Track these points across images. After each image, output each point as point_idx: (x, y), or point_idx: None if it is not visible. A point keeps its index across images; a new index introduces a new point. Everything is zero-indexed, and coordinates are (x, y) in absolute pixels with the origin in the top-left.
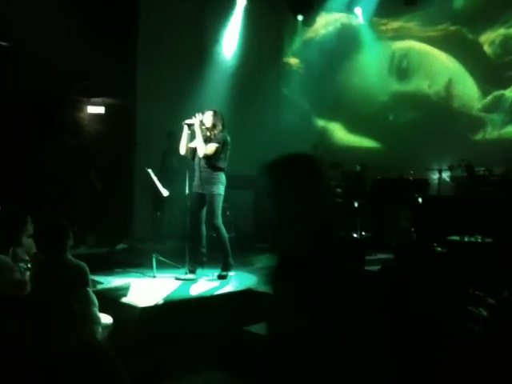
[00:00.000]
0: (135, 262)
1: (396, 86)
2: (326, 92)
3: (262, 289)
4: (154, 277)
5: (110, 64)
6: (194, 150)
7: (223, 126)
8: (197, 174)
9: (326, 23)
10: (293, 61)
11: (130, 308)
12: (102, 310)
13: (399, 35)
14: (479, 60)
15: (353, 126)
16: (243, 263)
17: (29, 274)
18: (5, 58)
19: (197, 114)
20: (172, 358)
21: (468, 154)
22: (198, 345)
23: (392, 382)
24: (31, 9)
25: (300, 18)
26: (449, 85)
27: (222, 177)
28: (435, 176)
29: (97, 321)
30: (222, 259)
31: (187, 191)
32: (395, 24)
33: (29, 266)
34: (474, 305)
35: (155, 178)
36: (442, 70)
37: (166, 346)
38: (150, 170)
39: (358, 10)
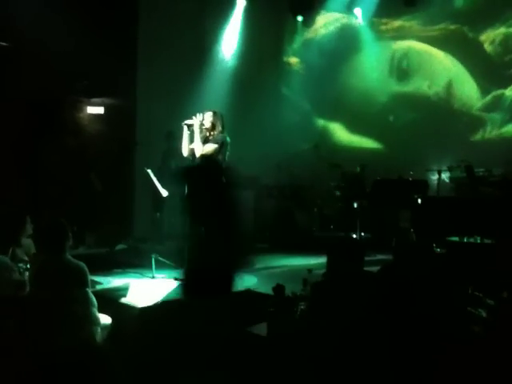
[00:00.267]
0: (134, 262)
1: (396, 87)
2: (326, 92)
3: (261, 289)
4: (153, 277)
5: (110, 64)
6: (194, 151)
7: (223, 126)
8: None
9: (325, 23)
10: (293, 61)
11: (129, 308)
12: (101, 311)
13: (399, 35)
14: (479, 59)
15: (353, 127)
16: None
17: (28, 274)
18: (5, 58)
19: (197, 115)
20: (171, 358)
21: (467, 155)
22: (197, 345)
23: (393, 382)
24: (32, 9)
25: (300, 18)
26: (449, 85)
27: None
28: (435, 177)
29: (96, 321)
30: None
31: (186, 191)
32: (395, 24)
33: (28, 266)
34: (473, 305)
35: (155, 179)
36: (442, 70)
37: (164, 347)
38: (149, 171)
39: (357, 11)
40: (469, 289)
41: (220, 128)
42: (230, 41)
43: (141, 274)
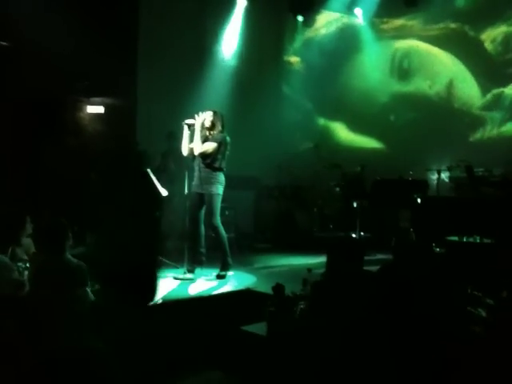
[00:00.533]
0: None
1: (397, 86)
2: (326, 92)
3: (261, 289)
4: None
5: (110, 64)
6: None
7: (223, 126)
8: (196, 173)
9: (326, 23)
10: (293, 60)
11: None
12: None
13: (400, 35)
14: (480, 58)
15: (353, 126)
16: (242, 263)
17: (27, 273)
18: (5, 57)
19: (200, 113)
20: (170, 357)
21: (467, 155)
22: (197, 344)
23: (393, 382)
24: (32, 9)
25: (300, 18)
26: (450, 84)
27: (221, 177)
28: (434, 177)
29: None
30: (220, 259)
31: (186, 191)
32: (396, 23)
33: (27, 265)
34: (472, 305)
35: (154, 178)
36: (443, 70)
37: (164, 346)
38: (148, 170)
39: (358, 11)
40: (468, 288)
41: (220, 128)
42: (230, 41)
43: None
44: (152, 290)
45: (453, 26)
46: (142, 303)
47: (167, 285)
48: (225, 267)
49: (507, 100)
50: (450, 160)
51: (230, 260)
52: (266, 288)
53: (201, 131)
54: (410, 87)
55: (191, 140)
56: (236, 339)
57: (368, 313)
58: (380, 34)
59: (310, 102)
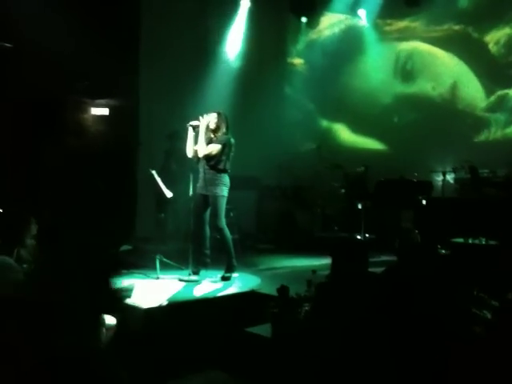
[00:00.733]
0: (139, 263)
1: (400, 88)
2: (329, 93)
3: (265, 290)
4: (158, 278)
5: (112, 65)
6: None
7: (227, 127)
8: (201, 175)
9: (329, 24)
10: (296, 62)
11: (133, 309)
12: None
13: (403, 36)
14: (484, 59)
15: (356, 127)
16: (246, 264)
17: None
18: (7, 58)
19: (204, 115)
20: (175, 358)
21: (472, 156)
22: (201, 346)
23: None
24: (33, 9)
25: (303, 19)
26: (453, 86)
27: (226, 178)
28: (439, 178)
29: (101, 322)
30: (225, 261)
31: (191, 193)
32: (399, 24)
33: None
34: (477, 307)
35: (159, 180)
36: (447, 71)
37: (168, 347)
38: (153, 172)
39: (361, 12)
40: (473, 290)
41: (224, 129)
42: (233, 41)
43: (145, 274)
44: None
45: (456, 27)
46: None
47: (172, 286)
48: (230, 269)
49: (511, 102)
50: (454, 161)
51: (234, 262)
52: (270, 289)
53: (205, 133)
54: (413, 88)
55: (196, 142)
56: (241, 341)
57: (373, 314)
58: (383, 36)
59: (313, 103)
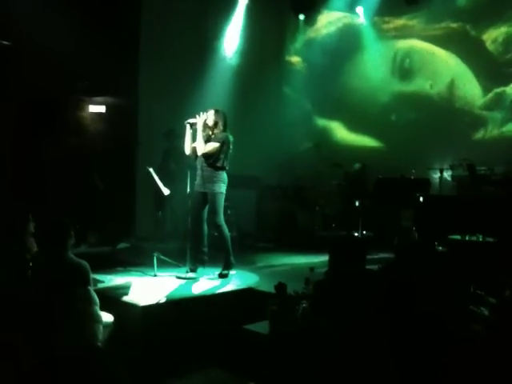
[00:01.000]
0: (136, 260)
1: (398, 86)
2: (327, 91)
3: (263, 288)
4: (155, 276)
5: (112, 63)
6: (196, 150)
7: (225, 125)
8: (199, 172)
9: (328, 22)
10: (295, 60)
11: (131, 307)
12: (103, 309)
13: (401, 34)
14: (482, 58)
15: (355, 126)
16: (244, 262)
17: (30, 272)
18: (7, 57)
19: (200, 114)
20: (173, 356)
21: (469, 153)
22: (199, 343)
23: (394, 381)
24: (33, 8)
25: (302, 17)
26: (451, 84)
27: (224, 176)
28: (437, 175)
29: (98, 319)
30: (223, 258)
31: (189, 190)
32: (397, 22)
33: (30, 264)
34: (475, 304)
35: (156, 177)
36: (445, 69)
37: (166, 345)
38: (151, 169)
39: (359, 10)
40: (471, 287)
41: (222, 127)
42: (231, 40)
43: (143, 272)
44: None
45: (454, 25)
46: None
47: (170, 284)
48: (227, 266)
49: (508, 100)
50: (452, 159)
51: (232, 259)
52: (268, 287)
53: (203, 130)
54: (411, 87)
55: (193, 139)
56: (238, 338)
57: (370, 312)
58: (381, 34)
59: (312, 102)
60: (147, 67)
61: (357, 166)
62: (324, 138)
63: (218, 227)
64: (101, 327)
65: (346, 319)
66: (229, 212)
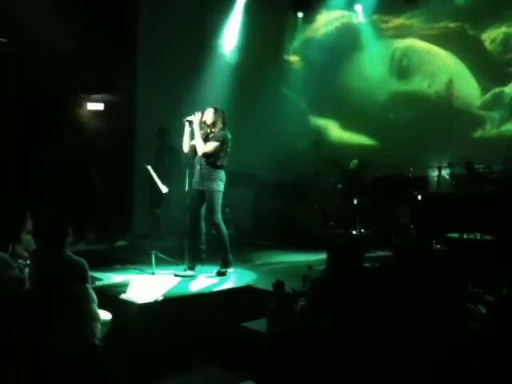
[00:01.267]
0: (134, 258)
1: (396, 85)
2: (326, 90)
3: (261, 285)
4: (153, 273)
5: (111, 62)
6: (195, 148)
7: (224, 123)
8: (197, 170)
9: (326, 21)
10: (293, 58)
11: (129, 304)
12: (101, 307)
13: (400, 33)
14: (480, 57)
15: (353, 124)
16: (242, 260)
17: (27, 270)
18: (6, 55)
19: (196, 113)
20: (171, 354)
21: (467, 152)
22: (197, 341)
23: (392, 380)
24: (33, 7)
25: (300, 15)
26: (449, 83)
27: (222, 174)
28: (435, 173)
29: (96, 317)
30: (221, 256)
31: (187, 188)
32: (396, 21)
33: (28, 262)
34: (472, 302)
35: (154, 175)
36: (443, 68)
37: (164, 343)
38: (149, 167)
39: (358, 8)
40: (468, 285)
41: (221, 125)
42: (230, 38)
43: (141, 270)
44: None
45: (452, 25)
46: None
47: (168, 282)
48: (225, 264)
49: (506, 99)
50: (450, 158)
51: (230, 257)
52: (266, 285)
53: (202, 128)
54: (409, 86)
55: (192, 137)
56: (236, 336)
57: (368, 309)
58: (380, 33)
59: (310, 100)
60: (146, 65)
61: (354, 162)
62: (322, 137)
63: (216, 225)
64: (99, 325)
65: (344, 317)
66: (227, 210)
